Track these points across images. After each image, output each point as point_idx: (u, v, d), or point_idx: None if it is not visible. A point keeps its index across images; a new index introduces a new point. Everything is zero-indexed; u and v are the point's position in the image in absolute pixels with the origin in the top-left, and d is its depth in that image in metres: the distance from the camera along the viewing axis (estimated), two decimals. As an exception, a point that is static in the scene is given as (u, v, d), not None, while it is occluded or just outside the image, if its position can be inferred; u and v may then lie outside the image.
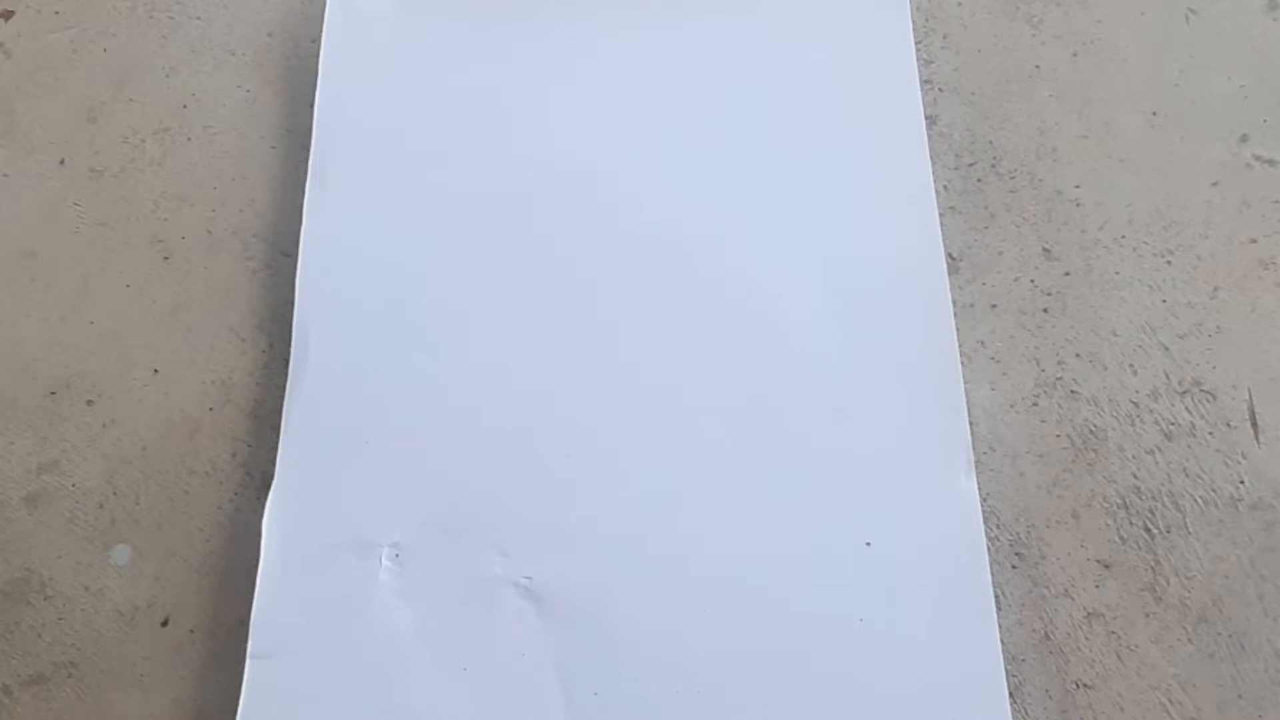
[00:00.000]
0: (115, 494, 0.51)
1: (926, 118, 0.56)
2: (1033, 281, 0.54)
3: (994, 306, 0.54)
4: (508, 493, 0.47)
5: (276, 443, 0.48)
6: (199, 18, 0.61)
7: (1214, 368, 0.52)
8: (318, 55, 0.56)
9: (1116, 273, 0.54)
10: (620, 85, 0.56)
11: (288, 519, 0.47)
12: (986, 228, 0.55)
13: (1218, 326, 0.53)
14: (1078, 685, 0.47)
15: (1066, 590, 0.48)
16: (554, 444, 0.48)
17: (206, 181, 0.57)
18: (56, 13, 0.62)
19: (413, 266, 0.52)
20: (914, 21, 0.57)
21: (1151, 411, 0.52)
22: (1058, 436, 0.51)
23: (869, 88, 0.56)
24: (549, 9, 0.58)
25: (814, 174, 0.54)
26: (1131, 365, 0.52)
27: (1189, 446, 0.51)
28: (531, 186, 0.54)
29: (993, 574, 0.46)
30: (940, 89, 0.59)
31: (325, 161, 0.54)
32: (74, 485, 0.51)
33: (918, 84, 0.55)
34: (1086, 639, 0.47)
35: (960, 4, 0.61)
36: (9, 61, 0.60)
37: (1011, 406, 0.52)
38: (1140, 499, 0.50)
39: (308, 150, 0.54)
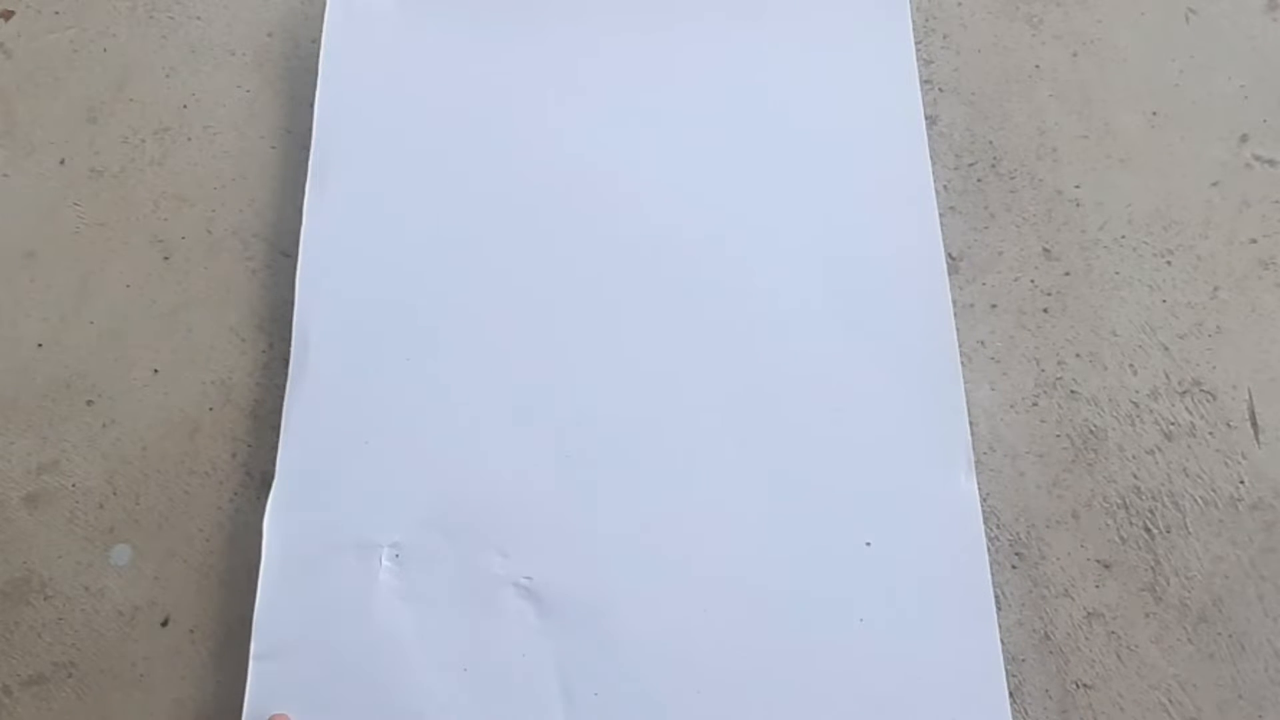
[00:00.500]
0: (115, 494, 0.51)
1: (926, 118, 0.56)
2: (1033, 281, 0.54)
3: (994, 306, 0.54)
4: (508, 493, 0.47)
5: (276, 443, 0.48)
6: (199, 18, 0.61)
7: (1214, 368, 0.52)
8: (318, 55, 0.56)
9: (1116, 273, 0.54)
10: (620, 85, 0.56)
11: (288, 519, 0.47)
12: (986, 228, 0.55)
13: (1218, 326, 0.53)
14: (1078, 685, 0.47)
15: (1066, 590, 0.48)
16: (554, 444, 0.48)
17: (206, 181, 0.57)
18: (56, 13, 0.62)
19: (413, 266, 0.52)
20: (914, 21, 0.57)
21: (1151, 411, 0.52)
22: (1058, 436, 0.51)
23: (869, 88, 0.56)
24: (549, 9, 0.58)
25: (814, 174, 0.54)
26: (1131, 365, 0.52)
27: (1189, 446, 0.51)
28: (531, 186, 0.54)
29: (993, 574, 0.46)
30: (940, 89, 0.59)
31: (325, 161, 0.54)
32: (74, 485, 0.51)
33: (918, 84, 0.55)
34: (1086, 639, 0.48)
35: (960, 4, 0.61)
36: (9, 61, 0.60)
37: (1011, 406, 0.52)
38: (1140, 499, 0.50)
39: (308, 150, 0.54)
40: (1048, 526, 0.49)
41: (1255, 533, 0.49)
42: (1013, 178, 0.57)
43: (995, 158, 0.57)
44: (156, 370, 0.53)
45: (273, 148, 0.58)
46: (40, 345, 0.54)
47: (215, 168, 0.57)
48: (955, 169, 0.57)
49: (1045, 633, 0.48)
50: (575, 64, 0.56)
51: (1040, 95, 0.59)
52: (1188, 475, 0.50)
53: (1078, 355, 0.53)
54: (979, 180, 0.57)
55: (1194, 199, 0.56)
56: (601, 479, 0.48)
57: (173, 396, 0.52)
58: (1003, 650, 0.45)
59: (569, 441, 0.48)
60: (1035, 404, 0.52)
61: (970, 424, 0.49)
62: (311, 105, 0.55)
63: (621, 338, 0.50)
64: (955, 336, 0.50)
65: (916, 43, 0.57)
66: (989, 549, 0.47)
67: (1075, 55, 0.60)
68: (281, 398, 0.49)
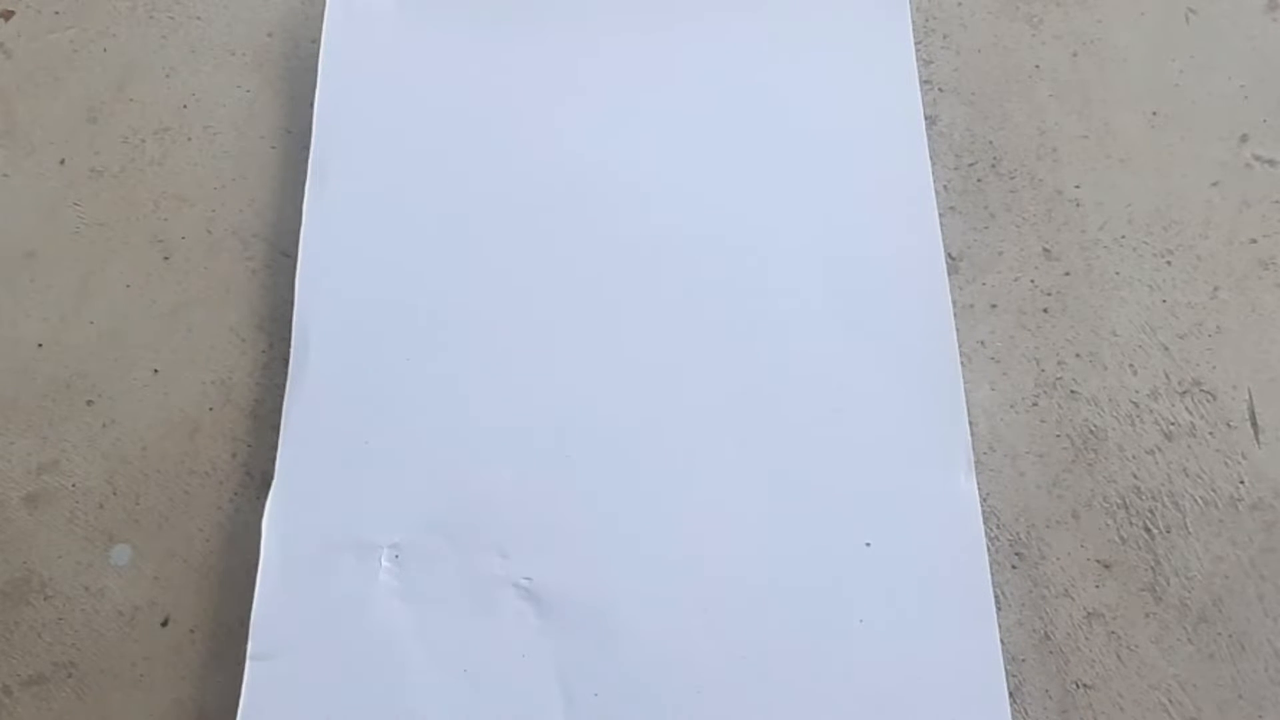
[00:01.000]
0: (115, 494, 0.51)
1: (926, 118, 0.56)
2: (1033, 281, 0.54)
3: (994, 306, 0.54)
4: (508, 493, 0.47)
5: (276, 443, 0.48)
6: (199, 18, 0.61)
7: (1214, 368, 0.52)
8: (318, 55, 0.56)
9: (1116, 273, 0.54)
10: (620, 85, 0.56)
11: (288, 519, 0.47)
12: (986, 228, 0.55)
13: (1218, 326, 0.53)
14: (1078, 685, 0.47)
15: (1066, 590, 0.48)
16: (554, 444, 0.48)
17: (206, 181, 0.57)
18: (56, 13, 0.62)
19: (413, 266, 0.52)
20: (914, 21, 0.57)
21: (1151, 411, 0.52)
22: (1058, 436, 0.51)
23: (869, 88, 0.56)
24: (548, 9, 0.58)
25: (814, 174, 0.54)
26: (1131, 365, 0.52)
27: (1189, 446, 0.51)
28: (531, 186, 0.54)
29: (993, 574, 0.46)
30: (940, 89, 0.59)
31: (325, 161, 0.54)
32: (74, 485, 0.51)
33: (918, 84, 0.55)
34: (1086, 639, 0.47)
35: (960, 4, 0.61)
36: (9, 61, 0.60)
37: (1011, 406, 0.52)
38: (1140, 499, 0.50)
39: (308, 150, 0.54)
40: (1048, 526, 0.49)
41: (1255, 533, 0.49)
42: (1013, 178, 0.57)
43: (995, 158, 0.57)
44: (156, 370, 0.53)
45: (273, 148, 0.58)
46: (40, 345, 0.54)
47: (215, 168, 0.57)
48: (955, 169, 0.57)
49: (1045, 633, 0.48)
50: (575, 64, 0.56)
51: (1040, 95, 0.59)
52: (1188, 475, 0.50)
53: (1078, 355, 0.53)
54: (979, 180, 0.57)
55: (1194, 199, 0.56)
56: (602, 479, 0.48)
57: (173, 396, 0.52)
58: (1003, 650, 0.45)
59: (569, 442, 0.48)
60: (1035, 404, 0.52)
61: (970, 424, 0.49)
62: (311, 105, 0.55)
63: (621, 337, 0.50)
64: (955, 336, 0.50)
65: (916, 43, 0.57)
66: (989, 549, 0.47)
67: (1075, 55, 0.60)
68: (281, 398, 0.49)
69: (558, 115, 0.55)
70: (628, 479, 0.48)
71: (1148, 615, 0.48)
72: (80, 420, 0.52)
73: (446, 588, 0.46)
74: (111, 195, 0.57)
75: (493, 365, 0.50)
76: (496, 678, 0.45)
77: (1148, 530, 0.49)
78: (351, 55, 0.56)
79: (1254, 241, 0.55)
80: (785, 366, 0.50)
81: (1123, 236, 0.55)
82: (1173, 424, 0.51)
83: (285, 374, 0.50)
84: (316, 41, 0.56)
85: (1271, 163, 0.57)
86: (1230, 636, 0.47)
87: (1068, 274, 0.54)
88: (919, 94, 0.55)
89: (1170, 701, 0.46)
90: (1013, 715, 0.44)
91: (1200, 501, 0.50)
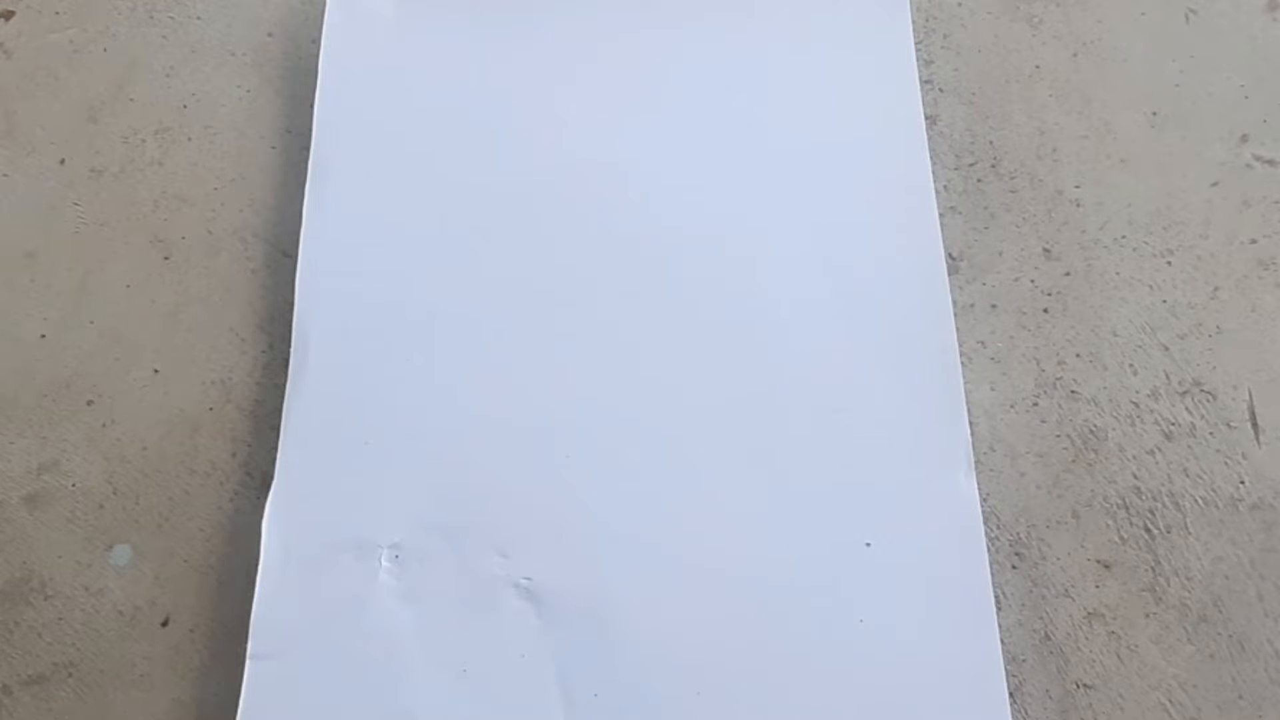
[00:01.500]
0: (115, 494, 0.51)
1: (926, 118, 0.56)
2: (1033, 281, 0.54)
3: (994, 306, 0.54)
4: (508, 493, 0.47)
5: (276, 443, 0.48)
6: (199, 18, 0.61)
7: (1214, 368, 0.52)
8: (318, 55, 0.56)
9: (1116, 273, 0.54)
10: (620, 85, 0.56)
11: (288, 519, 0.47)
12: (986, 228, 0.55)
13: (1218, 326, 0.53)
14: (1078, 685, 0.47)
15: (1066, 590, 0.48)
16: (554, 444, 0.48)
17: (206, 181, 0.57)
18: (56, 13, 0.62)
19: (413, 266, 0.52)
20: (914, 21, 0.57)
21: (1151, 411, 0.52)
22: (1058, 436, 0.51)
23: (869, 88, 0.56)
24: (548, 10, 0.58)
25: (814, 174, 0.54)
26: (1131, 365, 0.52)
27: (1189, 446, 0.51)
28: (531, 187, 0.54)
29: (993, 574, 0.46)
30: (940, 89, 0.59)
31: (325, 162, 0.54)
32: (74, 485, 0.51)
33: (918, 84, 0.55)
34: (1086, 639, 0.47)
35: (960, 4, 0.61)
36: (9, 61, 0.60)
37: (1011, 406, 0.52)
38: (1140, 499, 0.50)
39: (308, 150, 0.54)
40: (1048, 526, 0.49)
41: (1255, 533, 0.49)
42: (1013, 178, 0.57)
43: (995, 158, 0.57)
44: (156, 370, 0.53)
45: (273, 148, 0.58)
46: (40, 345, 0.54)
47: (215, 168, 0.57)
48: (955, 169, 0.57)
49: (1045, 633, 0.48)
50: (575, 64, 0.56)
51: (1040, 95, 0.59)
52: (1188, 475, 0.50)
53: (1078, 355, 0.53)
54: (979, 180, 0.57)
55: (1194, 199, 0.56)
56: (602, 479, 0.48)
57: (173, 396, 0.52)
58: (1003, 650, 0.45)
59: (569, 441, 0.48)
60: (1035, 404, 0.52)
61: (970, 424, 0.49)
62: (311, 105, 0.55)
63: (621, 338, 0.50)
64: (955, 336, 0.50)
65: (916, 43, 0.57)
66: (989, 549, 0.47)
67: (1075, 55, 0.60)
68: (281, 398, 0.49)
69: (558, 115, 0.55)
70: (628, 479, 0.48)
71: (1148, 615, 0.48)
72: (80, 420, 0.52)
73: (446, 588, 0.46)
74: (111, 195, 0.57)
75: (493, 365, 0.50)
76: (496, 678, 0.45)
77: (1148, 530, 0.49)
78: (351, 55, 0.56)
79: (1254, 241, 0.55)
80: (785, 366, 0.50)
81: (1123, 236, 0.55)
82: (1173, 424, 0.51)
83: (285, 374, 0.50)
84: (316, 41, 0.56)
85: (1271, 163, 0.57)
86: (1230, 636, 0.47)
87: (1068, 274, 0.54)
88: (919, 94, 0.55)
89: (1170, 701, 0.46)
90: (1013, 715, 0.44)
91: (1200, 501, 0.50)
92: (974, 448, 0.49)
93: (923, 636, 0.45)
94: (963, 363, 0.50)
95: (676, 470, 0.48)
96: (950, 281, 0.51)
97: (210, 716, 0.47)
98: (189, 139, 0.58)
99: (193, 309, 0.54)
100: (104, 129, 0.58)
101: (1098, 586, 0.48)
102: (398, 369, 0.50)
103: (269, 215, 0.56)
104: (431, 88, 0.56)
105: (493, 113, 0.55)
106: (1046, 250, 0.55)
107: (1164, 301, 0.54)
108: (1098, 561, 0.49)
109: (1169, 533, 0.49)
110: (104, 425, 0.52)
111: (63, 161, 0.58)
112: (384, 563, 0.46)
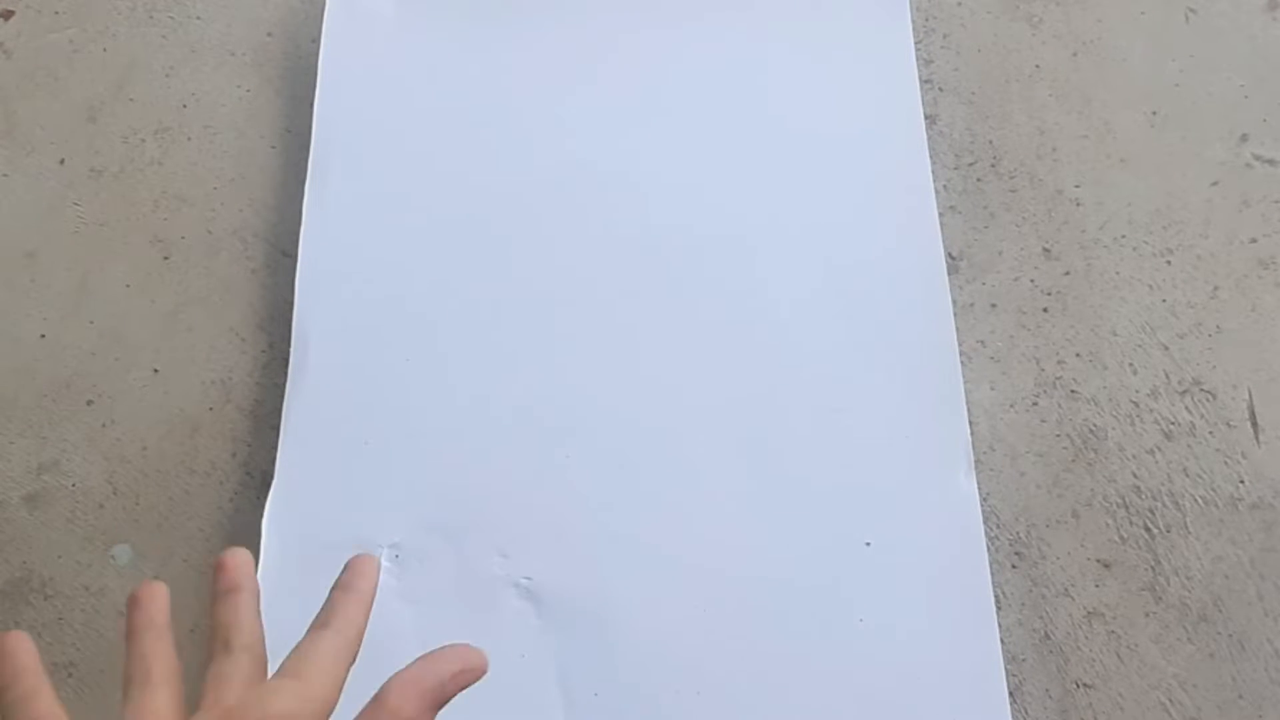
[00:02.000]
0: (115, 494, 0.51)
1: (926, 118, 0.56)
2: (1033, 281, 0.54)
3: (994, 306, 0.54)
4: (508, 493, 0.47)
5: (276, 443, 0.48)
6: (199, 18, 0.61)
7: (1214, 368, 0.52)
8: (318, 55, 0.56)
9: (1116, 273, 0.54)
10: (620, 85, 0.56)
11: (288, 519, 0.47)
12: (986, 228, 0.55)
13: (1218, 326, 0.53)
14: (1078, 685, 0.47)
15: (1066, 590, 0.48)
16: (554, 444, 0.48)
17: (206, 181, 0.57)
18: (56, 13, 0.62)
19: (413, 266, 0.52)
20: (914, 21, 0.57)
21: (1151, 411, 0.51)
22: (1058, 436, 0.51)
23: (869, 88, 0.56)
24: (548, 9, 0.58)
25: (814, 174, 0.54)
26: (1131, 365, 0.52)
27: (1189, 446, 0.51)
28: (530, 186, 0.54)
29: (993, 574, 0.46)
30: (940, 89, 0.59)
31: (325, 161, 0.54)
32: (74, 485, 0.51)
33: (918, 84, 0.55)
34: (1086, 639, 0.47)
35: (960, 4, 0.61)
36: (9, 61, 0.60)
37: (1011, 406, 0.52)
38: (1140, 499, 0.50)
39: (308, 150, 0.54)
40: (1048, 526, 0.49)
41: (1255, 533, 0.49)
42: (1013, 178, 0.57)
43: (995, 158, 0.57)
44: (156, 370, 0.53)
45: (273, 148, 0.58)
46: (40, 345, 0.54)
47: (215, 168, 0.57)
48: (955, 169, 0.57)
49: (1045, 633, 0.48)
50: (575, 64, 0.57)
51: (1040, 95, 0.59)
52: (1188, 475, 0.50)
53: (1078, 355, 0.53)
54: (979, 180, 0.57)
55: (1194, 199, 0.56)
56: (601, 479, 0.48)
57: (173, 396, 0.52)
58: (1003, 650, 0.45)
59: (569, 441, 0.48)
60: (1035, 404, 0.52)
61: (970, 424, 0.49)
62: (311, 105, 0.55)
63: (621, 338, 0.50)
64: (955, 336, 0.50)
65: (916, 43, 0.57)
66: (989, 549, 0.47)
67: (1075, 55, 0.60)
68: (281, 398, 0.49)
69: (558, 115, 0.55)
70: (627, 479, 0.48)
71: (1148, 615, 0.48)
72: (80, 420, 0.52)
73: (446, 587, 0.46)
74: (111, 195, 0.57)
75: (493, 365, 0.50)
76: (496, 678, 0.44)
77: (1148, 530, 0.49)
78: (351, 55, 0.56)
79: (1254, 241, 0.55)
80: (785, 366, 0.50)
81: (1123, 236, 0.55)
82: (1173, 424, 0.51)
83: (285, 374, 0.50)
84: (316, 41, 0.56)
85: (1271, 163, 0.57)
86: (1230, 636, 0.47)
87: (1068, 274, 0.54)
88: (919, 94, 0.55)
89: (1170, 701, 0.46)
90: (1013, 715, 0.44)
91: (1200, 501, 0.50)
92: (974, 447, 0.49)
93: (923, 636, 0.45)
94: (963, 362, 0.50)
95: (676, 470, 0.48)
96: (950, 281, 0.51)
97: (210, 716, 0.47)
98: (189, 139, 0.58)
99: (192, 309, 0.54)
100: (104, 129, 0.58)
101: (1097, 586, 0.48)
102: (398, 369, 0.50)
103: (269, 215, 0.56)
104: (431, 88, 0.56)
105: (492, 112, 0.55)
106: (1046, 250, 0.55)
107: (1164, 301, 0.54)
108: (1097, 561, 0.49)
109: (1169, 532, 0.49)
110: (104, 425, 0.52)
111: (62, 161, 0.58)
112: (384, 563, 0.46)
